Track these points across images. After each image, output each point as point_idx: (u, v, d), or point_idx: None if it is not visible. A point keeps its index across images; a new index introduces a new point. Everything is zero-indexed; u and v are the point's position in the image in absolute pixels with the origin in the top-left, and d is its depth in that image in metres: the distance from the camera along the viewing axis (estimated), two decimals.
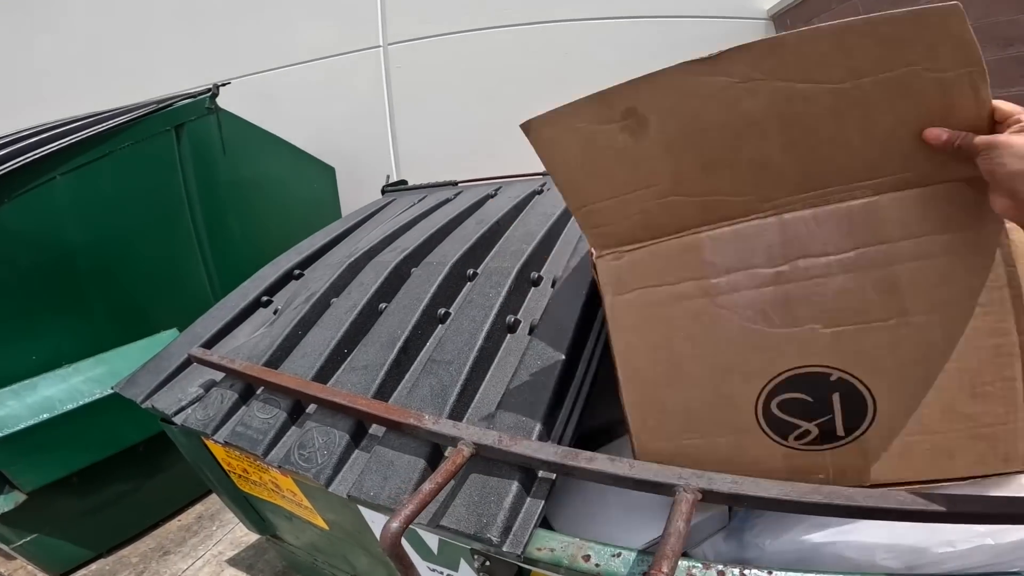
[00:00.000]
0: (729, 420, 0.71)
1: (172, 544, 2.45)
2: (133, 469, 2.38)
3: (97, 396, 2.09)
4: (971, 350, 0.62)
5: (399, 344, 1.16)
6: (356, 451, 1.03)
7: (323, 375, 1.20)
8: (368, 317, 1.31)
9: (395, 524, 0.67)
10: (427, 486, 0.73)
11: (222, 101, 2.66)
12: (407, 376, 1.14)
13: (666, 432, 0.75)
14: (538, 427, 0.86)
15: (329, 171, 3.38)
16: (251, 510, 1.64)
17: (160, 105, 2.27)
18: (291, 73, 3.86)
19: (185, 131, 2.36)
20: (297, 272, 1.78)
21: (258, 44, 3.75)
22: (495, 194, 1.81)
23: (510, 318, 1.12)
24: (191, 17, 3.67)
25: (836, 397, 0.68)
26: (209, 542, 2.46)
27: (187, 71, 3.40)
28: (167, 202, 2.39)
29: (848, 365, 0.66)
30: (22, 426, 1.96)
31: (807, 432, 0.69)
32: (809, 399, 0.68)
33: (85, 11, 3.61)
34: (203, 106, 2.38)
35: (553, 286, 1.19)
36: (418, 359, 1.17)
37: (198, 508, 2.68)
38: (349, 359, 1.24)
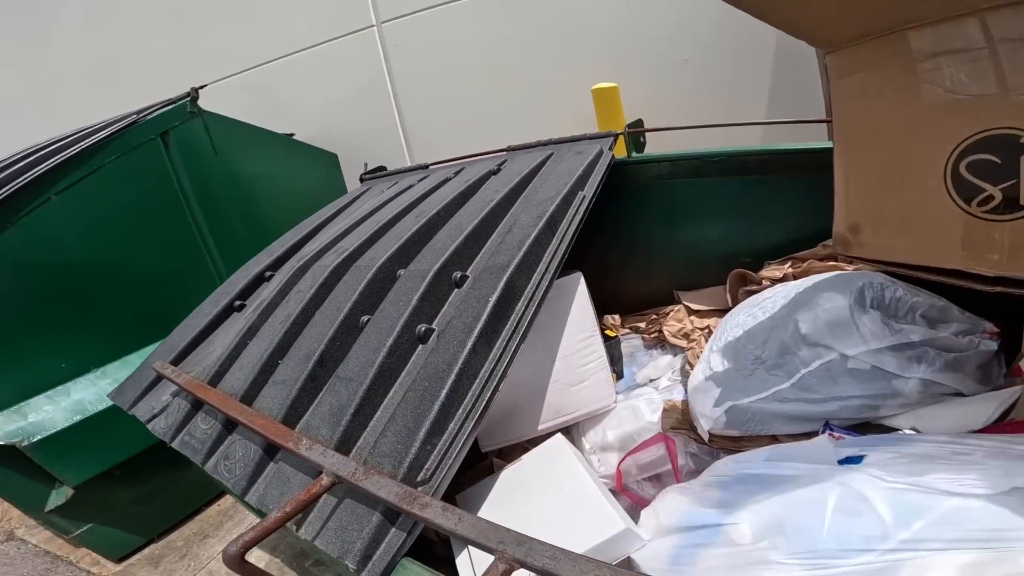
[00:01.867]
0: (919, 179, 0.76)
1: (211, 528, 2.58)
2: (171, 460, 2.52)
3: None
4: None
5: (314, 358, 1.08)
6: (270, 464, 1.01)
7: (254, 388, 1.17)
8: (301, 326, 1.24)
9: (232, 548, 0.68)
10: (274, 514, 0.71)
11: (223, 100, 2.61)
12: (322, 392, 1.06)
13: (862, 191, 0.87)
14: (411, 456, 0.76)
15: (331, 158, 3.32)
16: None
17: (141, 115, 2.25)
18: (289, 63, 3.79)
19: (171, 137, 2.34)
20: (268, 274, 1.74)
21: (253, 38, 3.70)
22: (453, 176, 1.66)
23: (421, 327, 1.00)
24: (183, 19, 3.66)
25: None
26: (243, 525, 2.56)
27: (185, 72, 3.38)
28: (166, 208, 2.41)
29: None
30: (59, 427, 2.08)
31: (990, 198, 0.71)
32: (998, 160, 0.69)
33: (81, 22, 3.67)
34: (185, 111, 2.35)
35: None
36: (335, 373, 1.08)
37: None
38: (276, 372, 1.18)
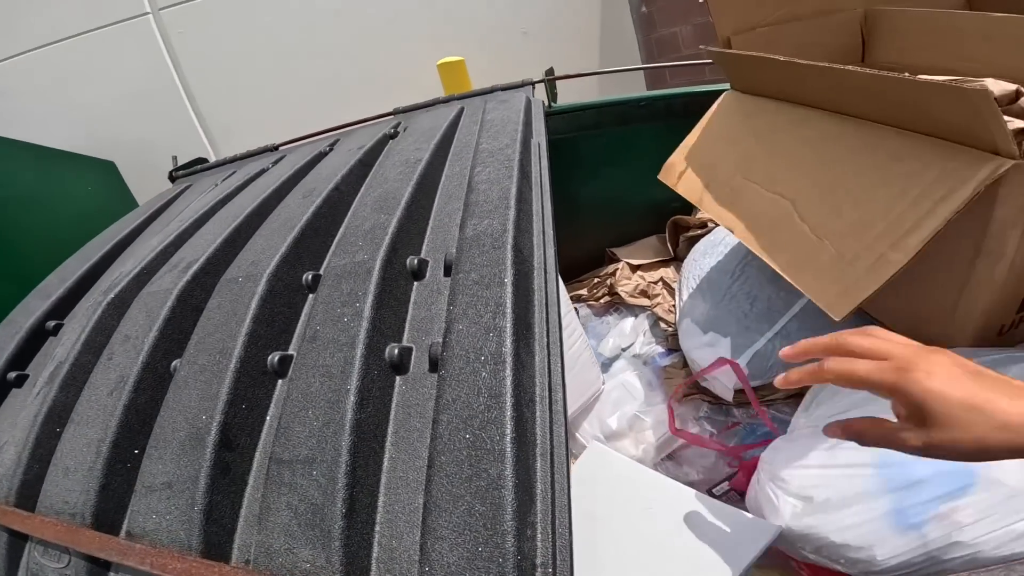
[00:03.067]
0: None
1: None
2: None
3: None
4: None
5: (212, 437, 0.62)
6: None
7: (109, 502, 0.66)
8: (154, 390, 0.73)
9: None
10: None
11: None
12: (248, 487, 0.62)
13: None
14: (510, 554, 0.42)
15: (105, 167, 2.43)
16: None
17: None
18: (29, 62, 2.73)
19: None
20: (52, 324, 1.09)
21: None
22: (330, 150, 1.22)
23: (392, 349, 0.62)
24: None
25: None
26: None
27: None
28: None
29: None
30: None
31: None
32: None
33: None
34: None
35: (448, 273, 0.71)
36: (258, 451, 0.64)
37: None
38: (143, 471, 0.68)
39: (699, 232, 1.27)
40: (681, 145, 0.92)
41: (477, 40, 2.98)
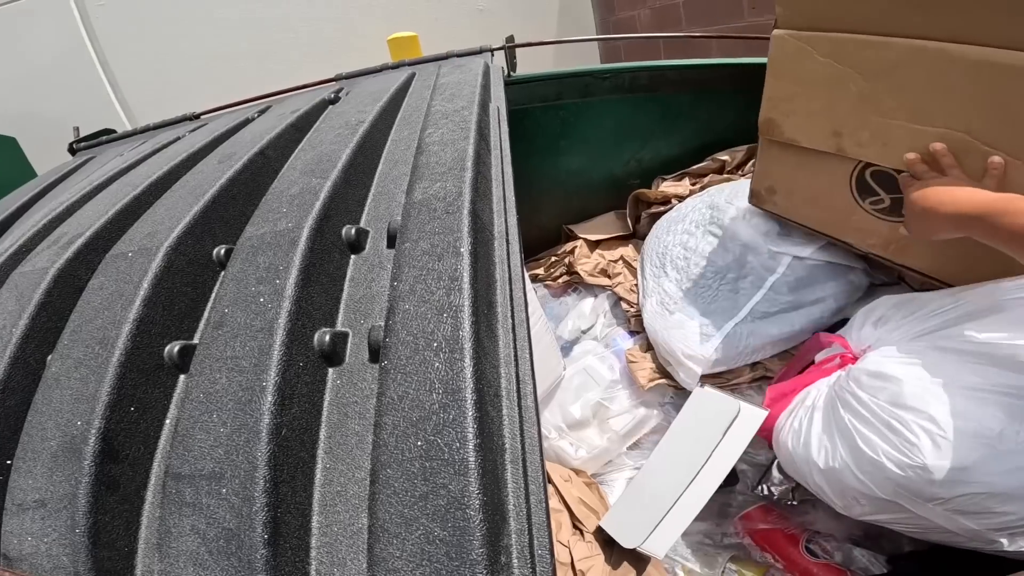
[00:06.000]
0: (830, 173, 0.82)
1: None
2: None
3: None
4: None
5: (90, 447, 0.48)
6: None
7: None
8: (25, 393, 0.57)
9: None
10: None
11: None
12: (147, 505, 0.49)
13: (783, 166, 0.89)
14: None
15: (6, 143, 2.11)
16: None
17: None
18: None
19: None
20: None
21: None
22: (258, 116, 1.05)
23: (323, 335, 0.50)
24: None
25: None
26: None
27: None
28: None
29: None
30: None
31: (881, 201, 0.79)
32: (895, 175, 0.73)
33: None
34: None
35: (392, 245, 0.59)
36: (155, 463, 0.50)
37: None
38: (11, 487, 0.52)
39: (661, 208, 1.20)
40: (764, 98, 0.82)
41: (431, 16, 2.80)
